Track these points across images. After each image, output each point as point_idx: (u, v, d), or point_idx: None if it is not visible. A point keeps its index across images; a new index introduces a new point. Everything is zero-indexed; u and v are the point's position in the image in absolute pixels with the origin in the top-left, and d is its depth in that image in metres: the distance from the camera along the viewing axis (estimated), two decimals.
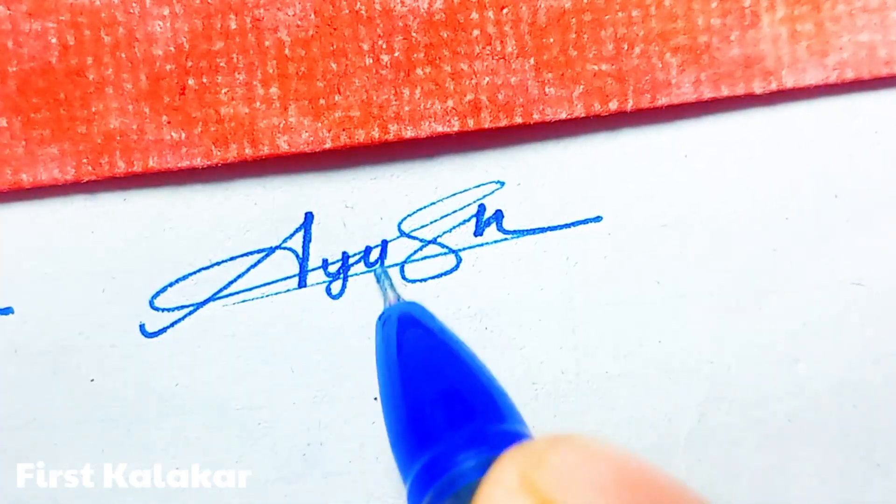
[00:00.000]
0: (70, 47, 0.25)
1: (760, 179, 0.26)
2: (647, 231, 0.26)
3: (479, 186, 0.26)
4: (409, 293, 0.26)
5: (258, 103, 0.25)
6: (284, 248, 0.26)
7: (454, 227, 0.26)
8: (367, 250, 0.26)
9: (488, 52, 0.25)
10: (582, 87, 0.25)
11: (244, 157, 0.25)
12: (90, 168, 0.25)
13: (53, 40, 0.25)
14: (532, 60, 0.25)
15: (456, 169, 0.26)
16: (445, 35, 0.25)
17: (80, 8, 0.25)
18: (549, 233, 0.26)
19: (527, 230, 0.26)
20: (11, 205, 0.25)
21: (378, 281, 0.26)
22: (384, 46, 0.25)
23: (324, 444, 0.26)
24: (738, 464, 0.26)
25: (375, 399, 0.26)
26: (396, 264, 0.26)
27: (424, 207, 0.26)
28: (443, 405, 0.21)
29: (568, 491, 0.15)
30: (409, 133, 0.25)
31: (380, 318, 0.25)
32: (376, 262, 0.26)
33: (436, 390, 0.21)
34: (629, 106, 0.25)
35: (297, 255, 0.26)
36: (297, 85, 0.25)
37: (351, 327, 0.26)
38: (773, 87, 0.25)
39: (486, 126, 0.25)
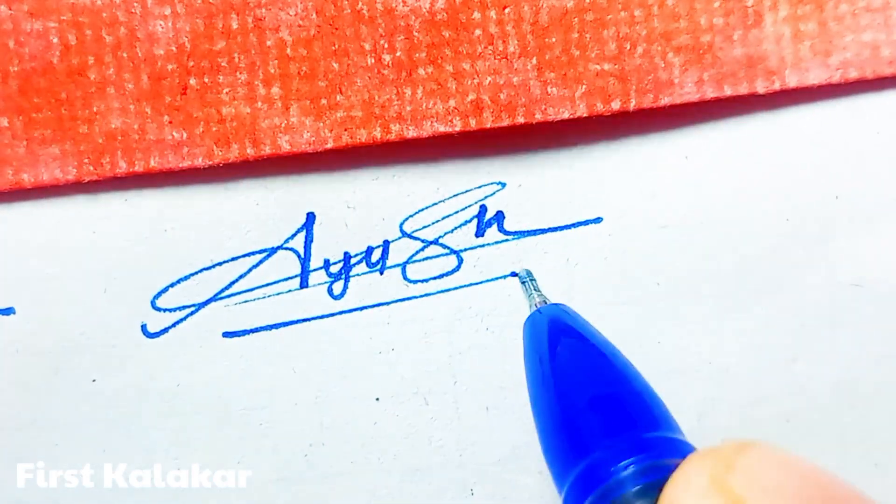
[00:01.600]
0: (71, 47, 0.25)
1: (761, 180, 0.26)
2: (647, 232, 0.26)
3: (480, 187, 0.26)
4: (410, 293, 0.26)
5: (260, 103, 0.25)
6: (286, 249, 0.26)
7: (456, 228, 0.26)
8: (369, 251, 0.26)
9: (490, 52, 0.25)
10: (584, 86, 0.25)
11: (246, 157, 0.25)
12: (91, 168, 0.25)
13: (55, 40, 0.25)
14: (534, 60, 0.25)
15: (457, 170, 0.26)
16: (447, 35, 0.25)
17: (82, 7, 0.25)
18: (549, 234, 0.26)
19: (528, 231, 0.26)
20: (13, 205, 0.25)
21: (522, 283, 0.26)
22: (386, 46, 0.25)
23: (325, 445, 0.26)
24: None
25: (377, 400, 0.26)
26: (398, 265, 0.26)
27: (426, 208, 0.26)
28: (598, 412, 0.20)
29: (759, 494, 0.15)
30: (410, 133, 0.25)
31: (527, 321, 0.24)
32: (377, 262, 0.26)
33: (590, 396, 0.21)
34: (632, 106, 0.25)
35: (299, 256, 0.26)
36: (299, 85, 0.25)
37: (353, 328, 0.26)
38: (777, 86, 0.25)
39: (489, 126, 0.25)
